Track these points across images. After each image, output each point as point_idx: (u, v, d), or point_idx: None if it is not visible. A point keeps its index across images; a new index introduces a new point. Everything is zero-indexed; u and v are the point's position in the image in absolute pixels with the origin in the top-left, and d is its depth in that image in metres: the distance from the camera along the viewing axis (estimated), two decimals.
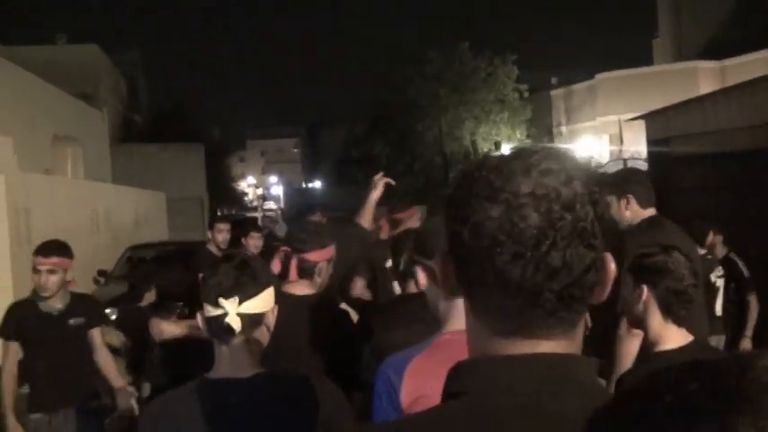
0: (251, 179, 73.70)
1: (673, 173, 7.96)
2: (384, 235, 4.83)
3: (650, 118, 9.57)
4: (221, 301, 1.72)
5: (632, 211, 3.35)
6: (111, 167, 20.91)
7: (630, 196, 3.35)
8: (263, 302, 1.79)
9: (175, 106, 39.05)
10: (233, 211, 41.63)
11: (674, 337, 2.12)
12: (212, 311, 1.73)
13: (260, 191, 73.26)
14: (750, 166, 6.01)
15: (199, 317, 1.80)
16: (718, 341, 4.84)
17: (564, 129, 30.77)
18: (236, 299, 1.72)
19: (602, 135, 26.40)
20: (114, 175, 20.63)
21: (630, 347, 2.97)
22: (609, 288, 0.91)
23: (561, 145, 29.48)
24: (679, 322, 2.13)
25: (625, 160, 19.60)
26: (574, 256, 0.83)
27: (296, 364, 2.08)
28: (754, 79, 6.85)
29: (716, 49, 26.83)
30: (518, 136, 26.47)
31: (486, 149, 24.02)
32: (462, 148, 26.01)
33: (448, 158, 24.48)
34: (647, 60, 32.87)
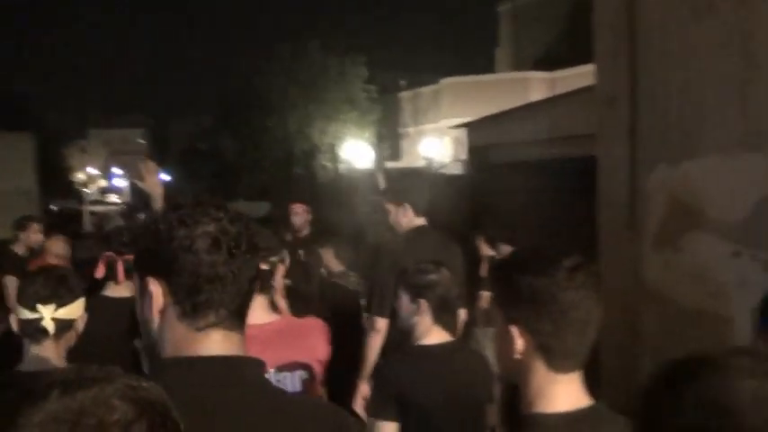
0: (92, 171, 69.38)
1: (489, 178, 8.65)
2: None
3: (471, 126, 10.33)
4: (39, 306, 2.01)
5: (408, 219, 3.54)
6: None
7: (407, 205, 3.53)
8: (76, 310, 2.11)
9: (3, 91, 35.97)
10: (69, 205, 38.95)
11: (434, 336, 2.46)
12: (28, 315, 2.02)
13: (103, 183, 69.09)
14: (548, 175, 6.67)
15: (12, 318, 2.07)
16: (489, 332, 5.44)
17: (411, 130, 31.85)
18: (53, 306, 2.03)
19: (444, 138, 27.63)
20: None
21: (375, 342, 3.33)
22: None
23: (407, 145, 30.45)
24: (443, 325, 2.48)
25: (464, 162, 20.73)
26: (241, 269, 1.11)
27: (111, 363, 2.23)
28: (555, 96, 7.59)
29: (549, 61, 28.91)
30: (366, 135, 27.01)
31: (325, 145, 24.16)
32: (313, 145, 26.17)
33: (296, 156, 24.52)
34: (492, 68, 34.81)
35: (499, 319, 1.32)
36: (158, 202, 3.12)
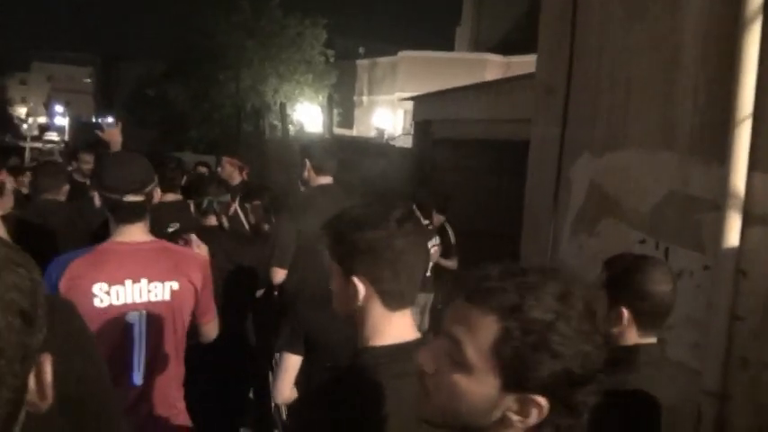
0: (32, 105, 66.68)
1: (431, 151, 8.93)
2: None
3: (417, 101, 10.59)
4: None
5: (310, 177, 3.77)
6: None
7: (306, 161, 3.76)
8: None
9: None
10: (5, 139, 37.57)
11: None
12: None
13: (42, 119, 66.60)
14: (485, 154, 6.95)
15: None
16: (426, 298, 5.72)
17: (365, 99, 31.83)
18: None
19: (398, 110, 27.77)
20: None
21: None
22: None
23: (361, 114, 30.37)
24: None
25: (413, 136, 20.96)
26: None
27: None
28: (499, 80, 7.85)
29: (506, 46, 29.23)
30: (320, 99, 26.87)
31: (277, 104, 23.93)
32: (264, 103, 25.86)
33: (247, 111, 24.21)
34: (450, 46, 34.95)
35: (338, 273, 1.44)
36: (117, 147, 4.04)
